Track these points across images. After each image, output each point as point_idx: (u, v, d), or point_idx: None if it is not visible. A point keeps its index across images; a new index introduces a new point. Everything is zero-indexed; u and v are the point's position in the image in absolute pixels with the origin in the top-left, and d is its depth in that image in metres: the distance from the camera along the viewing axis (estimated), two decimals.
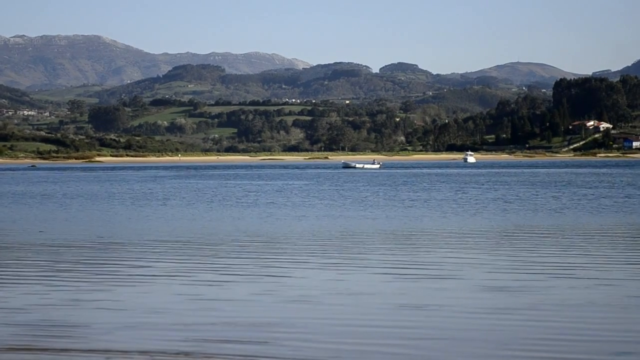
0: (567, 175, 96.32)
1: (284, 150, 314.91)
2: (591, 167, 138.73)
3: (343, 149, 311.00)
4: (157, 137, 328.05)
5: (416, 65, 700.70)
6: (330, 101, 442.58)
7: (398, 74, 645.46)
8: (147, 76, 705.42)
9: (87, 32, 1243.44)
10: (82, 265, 21.36)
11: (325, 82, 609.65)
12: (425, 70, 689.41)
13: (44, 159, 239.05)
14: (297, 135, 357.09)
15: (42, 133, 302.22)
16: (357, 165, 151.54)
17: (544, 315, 14.11)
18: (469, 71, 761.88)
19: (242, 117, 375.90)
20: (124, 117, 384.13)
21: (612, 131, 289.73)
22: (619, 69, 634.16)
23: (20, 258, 23.19)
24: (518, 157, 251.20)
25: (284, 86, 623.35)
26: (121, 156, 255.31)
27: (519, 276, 18.67)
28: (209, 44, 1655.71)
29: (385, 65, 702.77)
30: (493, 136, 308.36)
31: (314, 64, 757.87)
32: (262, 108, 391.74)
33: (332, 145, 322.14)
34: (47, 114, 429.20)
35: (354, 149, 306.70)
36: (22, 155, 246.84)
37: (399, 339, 12.45)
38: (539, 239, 27.51)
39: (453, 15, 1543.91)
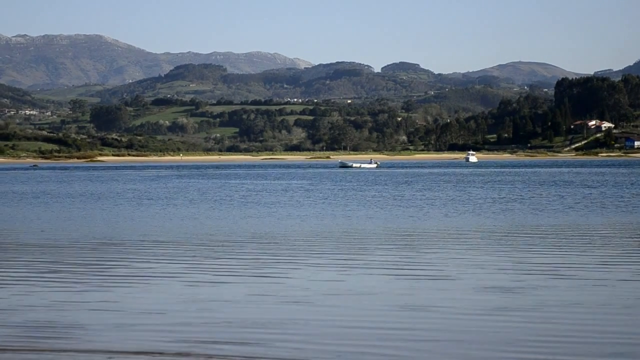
0: (569, 175, 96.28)
1: (286, 150, 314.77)
2: (593, 167, 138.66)
3: (345, 148, 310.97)
4: (159, 137, 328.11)
5: (418, 65, 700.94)
6: (332, 101, 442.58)
7: (400, 73, 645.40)
8: (149, 76, 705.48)
9: (89, 32, 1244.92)
10: (82, 266, 21.36)
11: (327, 82, 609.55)
12: (427, 70, 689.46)
13: (46, 158, 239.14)
14: (299, 134, 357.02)
15: (44, 132, 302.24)
16: (354, 165, 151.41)
17: (544, 316, 14.09)
18: (470, 71, 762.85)
19: (244, 116, 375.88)
20: (126, 117, 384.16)
21: (614, 131, 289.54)
22: (621, 68, 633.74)
23: (21, 258, 23.19)
24: (520, 157, 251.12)
25: (285, 86, 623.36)
26: (123, 156, 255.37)
27: (521, 277, 18.65)
28: (211, 43, 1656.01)
29: (387, 65, 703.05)
30: (495, 136, 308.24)
31: (316, 64, 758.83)
32: (263, 107, 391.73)
33: (334, 144, 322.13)
34: (48, 113, 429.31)
35: (355, 149, 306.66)
36: (24, 154, 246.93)
37: (398, 340, 12.43)
38: (540, 238, 27.48)
39: (455, 14, 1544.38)
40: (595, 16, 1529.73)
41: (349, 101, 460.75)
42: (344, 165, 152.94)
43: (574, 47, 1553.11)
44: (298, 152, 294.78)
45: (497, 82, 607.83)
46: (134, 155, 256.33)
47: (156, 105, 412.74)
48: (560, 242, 26.31)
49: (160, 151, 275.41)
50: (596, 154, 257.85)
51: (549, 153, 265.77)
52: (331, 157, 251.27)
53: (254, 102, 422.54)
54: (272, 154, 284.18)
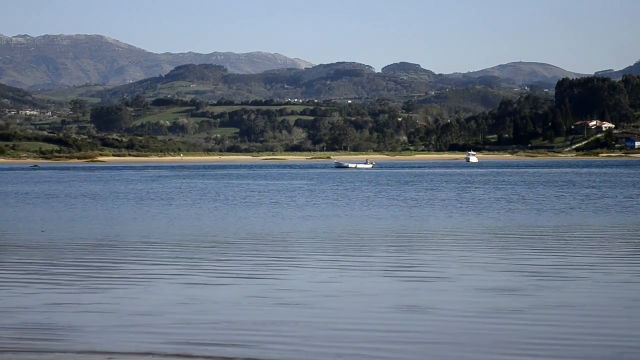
0: (570, 175, 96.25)
1: (286, 150, 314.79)
2: (594, 167, 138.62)
3: (345, 148, 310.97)
4: (160, 137, 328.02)
5: (418, 65, 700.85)
6: (333, 101, 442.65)
7: (400, 73, 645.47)
8: (150, 76, 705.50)
9: (90, 32, 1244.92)
10: (80, 266, 21.33)
11: (328, 82, 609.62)
12: (428, 70, 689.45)
13: (47, 158, 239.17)
14: (300, 135, 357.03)
15: (45, 133, 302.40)
16: (350, 165, 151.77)
17: (542, 318, 14.06)
18: (471, 71, 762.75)
19: (245, 116, 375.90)
20: (126, 117, 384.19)
21: (615, 131, 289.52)
22: (622, 68, 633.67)
23: (20, 258, 23.17)
24: (520, 157, 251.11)
25: (286, 86, 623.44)
26: (123, 156, 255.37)
27: (520, 278, 18.61)
28: (212, 43, 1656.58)
29: (388, 65, 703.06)
30: (495, 136, 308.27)
31: (317, 64, 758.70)
32: (264, 108, 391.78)
33: (335, 145, 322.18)
34: (49, 113, 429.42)
35: (356, 149, 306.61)
36: (24, 155, 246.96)
37: (393, 343, 12.40)
38: (541, 239, 27.46)
39: (455, 15, 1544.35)
40: (596, 16, 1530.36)
41: (350, 101, 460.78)
42: (339, 166, 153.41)
43: (575, 47, 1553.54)
44: (298, 153, 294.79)
45: (498, 83, 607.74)
46: (134, 156, 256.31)
47: (157, 106, 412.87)
48: (561, 243, 26.28)
49: (161, 151, 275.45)
50: (597, 154, 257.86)
51: (549, 153, 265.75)
52: (331, 157, 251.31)
53: (255, 103, 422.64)
54: (273, 154, 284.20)
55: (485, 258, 22.35)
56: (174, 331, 13.14)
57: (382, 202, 49.11)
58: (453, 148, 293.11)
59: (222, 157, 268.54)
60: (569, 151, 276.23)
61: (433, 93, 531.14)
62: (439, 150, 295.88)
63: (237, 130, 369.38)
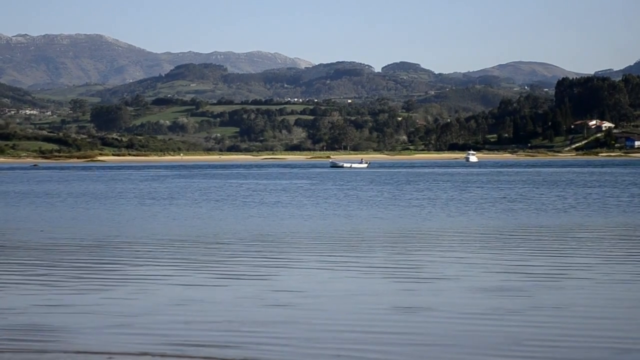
0: (570, 175, 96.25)
1: (286, 150, 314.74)
2: (594, 167, 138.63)
3: (345, 148, 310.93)
4: (160, 137, 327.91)
5: (418, 65, 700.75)
6: (333, 100, 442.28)
7: (400, 73, 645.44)
8: (150, 75, 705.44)
9: (90, 31, 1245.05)
10: (78, 266, 21.32)
11: (328, 82, 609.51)
12: (428, 70, 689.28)
13: (46, 158, 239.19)
14: (299, 134, 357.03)
15: (44, 132, 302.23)
16: (345, 165, 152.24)
17: (545, 317, 14.03)
18: (471, 70, 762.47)
19: (245, 116, 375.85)
20: (126, 117, 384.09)
21: (614, 130, 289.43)
22: (621, 68, 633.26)
23: (18, 259, 23.15)
24: (520, 157, 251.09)
25: (286, 85, 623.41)
26: (123, 155, 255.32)
27: (520, 277, 18.59)
28: (211, 43, 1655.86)
29: (388, 65, 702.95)
30: (495, 135, 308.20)
31: (316, 63, 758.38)
32: (264, 107, 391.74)
33: (334, 144, 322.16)
34: (49, 113, 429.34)
35: (356, 148, 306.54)
36: (24, 154, 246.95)
37: (387, 344, 12.37)
38: (541, 239, 27.43)
39: (455, 14, 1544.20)
40: (596, 16, 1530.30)
41: (350, 101, 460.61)
42: (334, 165, 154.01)
43: (575, 47, 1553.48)
44: (298, 152, 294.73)
45: (498, 82, 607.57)
46: (134, 155, 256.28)
47: (157, 105, 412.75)
48: (561, 243, 26.25)
49: (161, 151, 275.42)
50: (596, 153, 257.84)
51: (549, 153, 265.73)
52: (331, 156, 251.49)
53: (255, 102, 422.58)
54: (273, 154, 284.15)
55: (485, 258, 22.32)
56: (172, 332, 13.12)
57: (367, 200, 49.09)
58: (453, 147, 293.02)
59: (222, 157, 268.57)
60: (569, 151, 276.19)
61: (433, 92, 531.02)
62: (438, 149, 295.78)
63: (237, 129, 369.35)
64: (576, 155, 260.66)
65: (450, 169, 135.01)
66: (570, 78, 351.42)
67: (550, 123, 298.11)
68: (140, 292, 17.13)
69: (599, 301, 15.64)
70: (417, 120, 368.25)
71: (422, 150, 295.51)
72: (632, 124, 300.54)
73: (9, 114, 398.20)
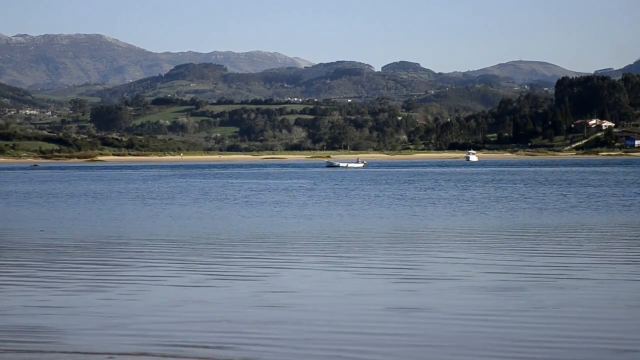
0: (570, 174, 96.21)
1: (286, 149, 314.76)
2: (594, 166, 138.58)
3: (345, 147, 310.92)
4: (159, 136, 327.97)
5: (418, 64, 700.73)
6: (333, 100, 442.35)
7: (400, 72, 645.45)
8: (149, 75, 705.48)
9: (89, 31, 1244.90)
10: (77, 267, 21.30)
11: (328, 81, 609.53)
12: (428, 69, 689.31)
13: (46, 158, 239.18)
14: (299, 134, 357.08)
15: (44, 132, 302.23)
16: (341, 165, 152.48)
17: (545, 317, 14.02)
18: (471, 70, 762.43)
19: (244, 116, 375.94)
20: (126, 116, 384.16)
21: (614, 130, 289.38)
22: (621, 67, 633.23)
23: (17, 259, 23.13)
24: (520, 156, 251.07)
25: (286, 85, 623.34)
26: (123, 155, 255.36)
27: (520, 277, 18.57)
28: (211, 42, 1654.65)
29: (388, 64, 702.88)
30: (495, 135, 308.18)
31: (316, 63, 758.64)
32: (264, 107, 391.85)
33: (334, 144, 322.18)
34: (49, 113, 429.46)
35: (356, 148, 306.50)
36: (24, 154, 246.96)
37: (384, 345, 12.36)
38: (542, 238, 27.41)
39: (455, 13, 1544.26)
40: (596, 15, 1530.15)
41: (350, 100, 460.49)
42: (330, 165, 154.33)
43: (575, 46, 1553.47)
44: (298, 152, 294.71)
45: (498, 81, 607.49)
46: (134, 155, 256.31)
47: (156, 105, 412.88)
48: (561, 242, 26.23)
49: (161, 151, 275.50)
50: (597, 153, 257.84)
51: (549, 152, 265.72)
52: (331, 156, 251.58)
53: (255, 102, 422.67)
54: (273, 154, 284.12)
55: (485, 258, 22.30)
56: (171, 332, 13.11)
57: (363, 199, 49.06)
58: (453, 147, 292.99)
59: (222, 157, 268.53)
60: (569, 150, 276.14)
61: (433, 92, 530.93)
62: (439, 149, 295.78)
63: (237, 129, 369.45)
64: (576, 154, 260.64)
65: (450, 169, 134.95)
66: (570, 77, 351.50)
67: (550, 122, 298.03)
68: (140, 293, 17.12)
69: (599, 301, 15.62)
70: (417, 120, 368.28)
71: (422, 149, 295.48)
72: (632, 123, 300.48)
73: (9, 114, 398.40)
